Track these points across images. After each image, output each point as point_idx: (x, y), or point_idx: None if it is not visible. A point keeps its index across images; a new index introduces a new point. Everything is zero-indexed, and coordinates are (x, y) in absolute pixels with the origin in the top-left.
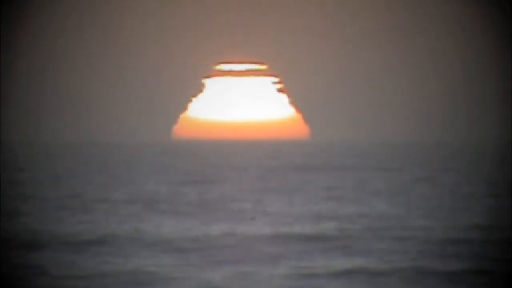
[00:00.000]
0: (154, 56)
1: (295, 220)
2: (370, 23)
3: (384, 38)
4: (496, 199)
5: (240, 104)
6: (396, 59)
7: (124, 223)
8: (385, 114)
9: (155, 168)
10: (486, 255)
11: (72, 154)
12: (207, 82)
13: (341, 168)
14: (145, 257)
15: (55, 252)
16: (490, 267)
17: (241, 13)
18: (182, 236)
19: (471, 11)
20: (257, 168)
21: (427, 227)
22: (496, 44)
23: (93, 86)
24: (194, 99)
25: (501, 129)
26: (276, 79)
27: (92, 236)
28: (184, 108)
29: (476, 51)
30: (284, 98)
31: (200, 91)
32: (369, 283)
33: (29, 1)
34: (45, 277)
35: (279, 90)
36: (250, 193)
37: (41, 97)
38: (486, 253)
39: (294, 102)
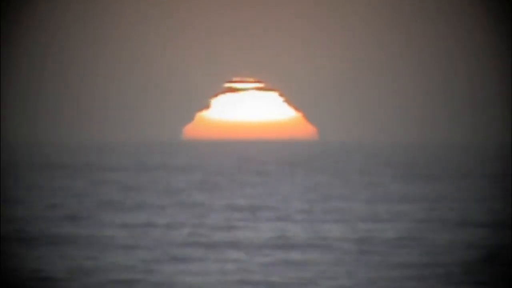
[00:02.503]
0: (164, 59)
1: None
2: (372, 22)
3: (386, 37)
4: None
5: (244, 105)
6: (397, 59)
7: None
8: (385, 114)
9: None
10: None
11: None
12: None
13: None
14: None
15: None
16: None
17: (238, 20)
18: None
19: (473, 10)
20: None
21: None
22: (497, 44)
23: (96, 87)
24: (213, 100)
25: (502, 129)
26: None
27: None
28: (199, 108)
29: (478, 51)
30: (284, 100)
31: (221, 93)
32: None
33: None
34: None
35: (272, 89)
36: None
37: (50, 97)
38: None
39: (296, 103)
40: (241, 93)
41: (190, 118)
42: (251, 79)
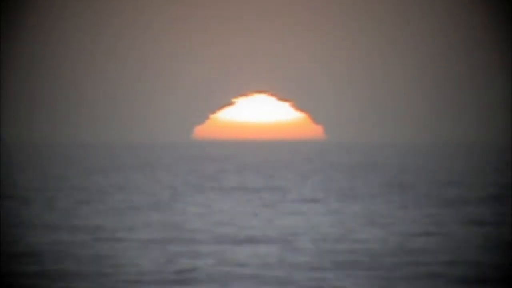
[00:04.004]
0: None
1: None
2: (377, 23)
3: (388, 38)
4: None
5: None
6: (399, 59)
7: None
8: (386, 114)
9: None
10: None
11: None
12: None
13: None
14: None
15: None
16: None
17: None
18: None
19: (474, 10)
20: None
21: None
22: (498, 43)
23: (102, 87)
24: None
25: (503, 129)
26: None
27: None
28: (211, 110)
29: (480, 51)
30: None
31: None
32: None
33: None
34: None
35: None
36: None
37: (58, 96)
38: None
39: (301, 104)
40: (249, 98)
41: (201, 119)
42: (260, 90)
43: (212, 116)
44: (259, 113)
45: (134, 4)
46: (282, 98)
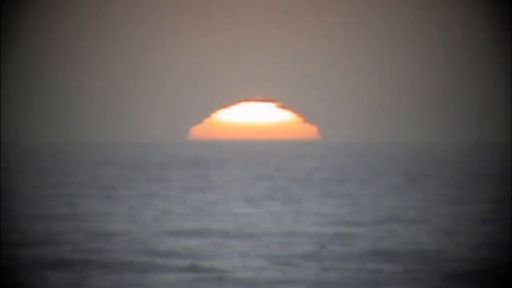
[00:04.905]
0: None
1: None
2: (373, 22)
3: (386, 37)
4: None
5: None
6: (399, 59)
7: None
8: (386, 114)
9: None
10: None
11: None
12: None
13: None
14: None
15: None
16: None
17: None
18: None
19: (475, 10)
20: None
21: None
22: (499, 43)
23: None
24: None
25: (503, 129)
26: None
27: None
28: (210, 110)
29: (480, 51)
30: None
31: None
32: None
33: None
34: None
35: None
36: None
37: (59, 96)
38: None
39: (294, 104)
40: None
41: (198, 120)
42: (259, 97)
43: (209, 117)
44: (257, 115)
45: (139, 5)
46: (274, 100)
